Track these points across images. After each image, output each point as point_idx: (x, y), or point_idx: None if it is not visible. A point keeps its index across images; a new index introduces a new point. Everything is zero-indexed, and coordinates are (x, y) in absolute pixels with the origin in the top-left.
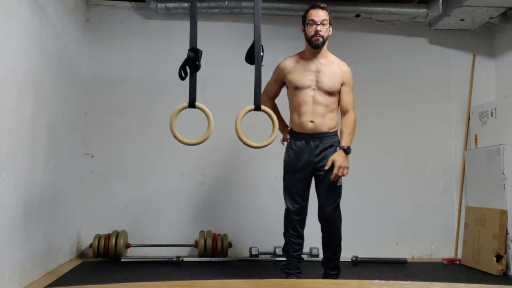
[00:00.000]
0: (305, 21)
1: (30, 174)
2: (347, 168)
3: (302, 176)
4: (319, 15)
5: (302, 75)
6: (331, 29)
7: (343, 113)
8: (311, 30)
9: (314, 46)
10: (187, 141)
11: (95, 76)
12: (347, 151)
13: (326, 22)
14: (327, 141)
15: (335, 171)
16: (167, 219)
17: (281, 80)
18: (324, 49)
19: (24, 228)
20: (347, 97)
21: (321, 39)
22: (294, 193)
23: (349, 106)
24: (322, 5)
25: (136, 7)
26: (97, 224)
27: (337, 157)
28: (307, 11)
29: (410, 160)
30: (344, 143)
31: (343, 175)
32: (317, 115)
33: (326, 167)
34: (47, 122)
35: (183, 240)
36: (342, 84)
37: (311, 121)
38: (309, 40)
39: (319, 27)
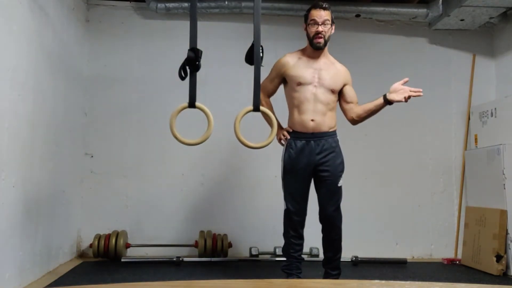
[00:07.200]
0: (307, 20)
1: (30, 174)
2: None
3: (302, 177)
4: (321, 15)
5: (305, 70)
6: (333, 28)
7: (354, 103)
8: (312, 30)
9: (315, 48)
10: (187, 141)
11: (95, 76)
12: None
13: (327, 22)
14: (327, 140)
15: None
16: (167, 219)
17: (281, 76)
18: (325, 50)
19: (24, 228)
20: (352, 93)
21: (322, 41)
22: (295, 193)
23: (356, 99)
24: (324, 5)
25: (136, 7)
26: (97, 224)
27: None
28: (309, 11)
29: (410, 160)
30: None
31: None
32: (318, 113)
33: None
34: (47, 122)
35: (183, 240)
36: (344, 84)
37: (312, 120)
38: (311, 40)
39: (320, 28)
